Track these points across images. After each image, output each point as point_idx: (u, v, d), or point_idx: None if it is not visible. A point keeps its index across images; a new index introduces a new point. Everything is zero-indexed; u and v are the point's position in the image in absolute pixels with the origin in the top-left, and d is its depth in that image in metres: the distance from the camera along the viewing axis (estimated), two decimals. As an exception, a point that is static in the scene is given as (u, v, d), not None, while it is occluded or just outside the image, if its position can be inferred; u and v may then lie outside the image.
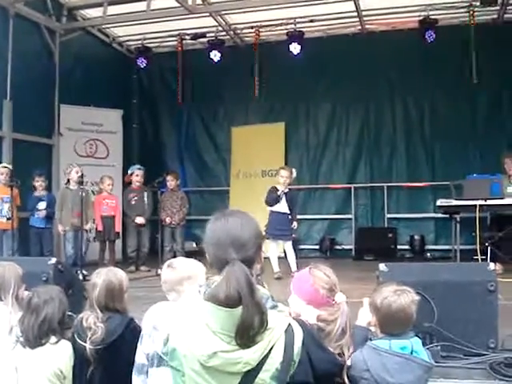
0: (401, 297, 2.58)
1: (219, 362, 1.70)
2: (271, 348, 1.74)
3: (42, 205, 8.00)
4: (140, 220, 8.71)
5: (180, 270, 2.87)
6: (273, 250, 7.35)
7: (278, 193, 7.37)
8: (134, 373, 2.61)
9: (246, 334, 1.68)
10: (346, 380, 2.39)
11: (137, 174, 8.90)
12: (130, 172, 9.02)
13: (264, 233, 6.98)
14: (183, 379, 1.76)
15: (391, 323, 2.59)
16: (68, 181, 8.30)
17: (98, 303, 2.96)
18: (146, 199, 8.80)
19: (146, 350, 2.51)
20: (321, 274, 2.63)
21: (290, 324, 1.82)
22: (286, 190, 7.47)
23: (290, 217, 7.50)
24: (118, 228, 8.79)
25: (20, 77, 8.58)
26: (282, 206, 7.44)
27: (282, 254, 7.68)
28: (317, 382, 2.09)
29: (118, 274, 3.07)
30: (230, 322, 1.69)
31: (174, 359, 1.78)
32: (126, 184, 9.19)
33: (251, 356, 1.70)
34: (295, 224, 7.62)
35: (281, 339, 1.76)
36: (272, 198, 7.41)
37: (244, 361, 1.70)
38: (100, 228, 8.51)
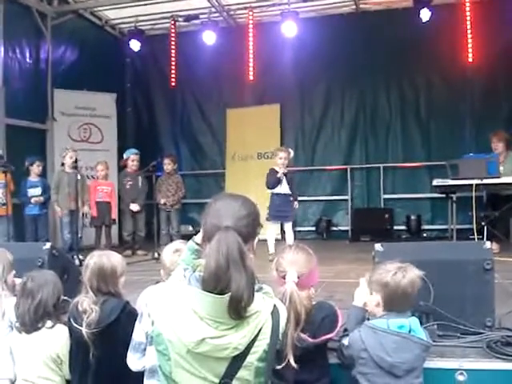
0: (409, 272, 2.57)
1: (207, 348, 1.68)
2: (259, 331, 1.72)
3: (37, 191, 7.97)
4: (135, 207, 8.70)
5: None
6: (271, 231, 7.30)
7: (278, 175, 7.29)
8: (129, 351, 2.58)
9: (238, 307, 1.66)
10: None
11: (132, 159, 8.86)
12: (125, 157, 8.97)
13: (266, 215, 6.98)
14: (169, 363, 1.75)
15: (399, 299, 2.57)
16: (63, 164, 8.26)
17: (90, 285, 2.94)
18: (140, 184, 8.76)
19: (146, 328, 2.48)
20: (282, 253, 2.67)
21: (275, 305, 1.81)
22: (286, 171, 7.42)
23: (291, 198, 7.47)
24: (114, 215, 8.78)
25: (12, 62, 8.51)
26: (283, 188, 7.37)
27: (279, 237, 7.66)
28: None
29: (111, 257, 3.04)
30: (218, 308, 1.67)
31: (159, 344, 1.76)
32: (122, 167, 9.14)
33: (240, 341, 1.69)
34: (296, 204, 7.61)
35: (268, 322, 1.75)
36: (273, 181, 7.33)
37: (233, 346, 1.69)
38: (95, 214, 8.47)
